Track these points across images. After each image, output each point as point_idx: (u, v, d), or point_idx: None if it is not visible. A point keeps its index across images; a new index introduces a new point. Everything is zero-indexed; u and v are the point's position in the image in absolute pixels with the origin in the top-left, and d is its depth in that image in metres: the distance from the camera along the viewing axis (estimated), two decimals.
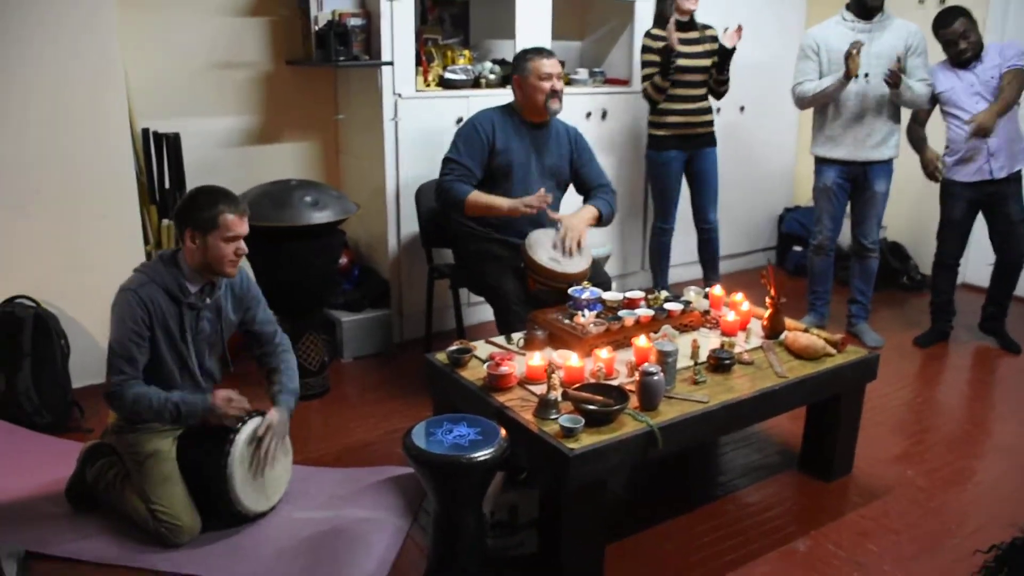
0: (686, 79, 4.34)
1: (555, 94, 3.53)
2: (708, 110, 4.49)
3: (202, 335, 2.70)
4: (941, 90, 4.10)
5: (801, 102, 4.27)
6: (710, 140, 4.55)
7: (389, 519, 2.71)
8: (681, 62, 4.27)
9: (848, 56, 3.90)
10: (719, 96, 4.51)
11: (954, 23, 3.97)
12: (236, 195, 2.64)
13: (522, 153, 3.57)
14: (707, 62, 4.36)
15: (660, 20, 4.44)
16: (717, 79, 4.40)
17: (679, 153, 4.49)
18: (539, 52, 3.56)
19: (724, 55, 4.30)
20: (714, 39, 4.37)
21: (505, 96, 3.88)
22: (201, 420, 2.61)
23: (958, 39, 3.98)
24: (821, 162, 4.32)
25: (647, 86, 4.36)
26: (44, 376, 3.35)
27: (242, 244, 2.60)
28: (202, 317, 2.68)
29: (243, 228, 2.60)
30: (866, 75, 4.06)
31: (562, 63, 4.82)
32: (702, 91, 4.43)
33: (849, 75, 3.96)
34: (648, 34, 4.40)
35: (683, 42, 4.27)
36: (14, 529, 2.62)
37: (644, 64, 4.39)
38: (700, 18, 4.38)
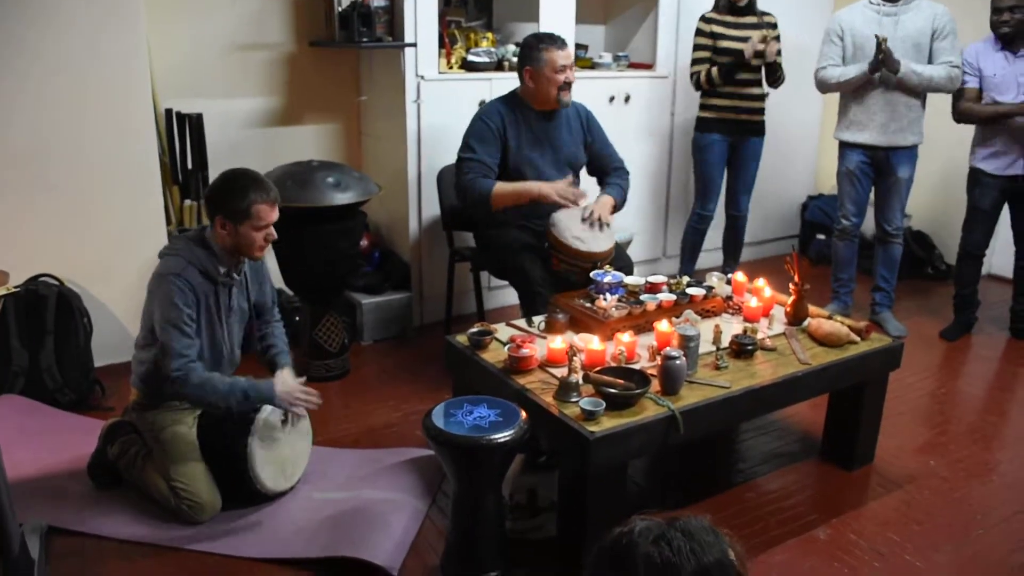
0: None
1: (567, 86, 3.45)
2: (759, 97, 4.35)
3: (235, 312, 2.73)
4: (989, 73, 3.95)
5: (823, 87, 4.19)
6: (757, 129, 4.42)
7: (408, 500, 2.72)
8: (733, 45, 4.17)
9: (878, 49, 3.79)
10: (774, 86, 4.38)
11: None
12: (267, 180, 2.63)
13: (535, 146, 3.51)
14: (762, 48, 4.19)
15: (719, 3, 4.29)
16: (769, 78, 4.31)
17: (722, 138, 4.39)
18: (552, 41, 3.43)
19: (767, 66, 4.22)
20: (773, 26, 4.25)
21: None
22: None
23: (1004, 10, 3.81)
24: (844, 146, 4.22)
25: (700, 76, 4.24)
26: (67, 354, 3.38)
27: (271, 230, 2.62)
28: (233, 294, 2.70)
29: (274, 216, 2.61)
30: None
31: (585, 47, 4.85)
32: (755, 76, 4.29)
33: (874, 70, 3.88)
34: (703, 17, 4.28)
35: (737, 27, 4.19)
36: (37, 505, 2.65)
37: (695, 47, 4.28)
38: None
